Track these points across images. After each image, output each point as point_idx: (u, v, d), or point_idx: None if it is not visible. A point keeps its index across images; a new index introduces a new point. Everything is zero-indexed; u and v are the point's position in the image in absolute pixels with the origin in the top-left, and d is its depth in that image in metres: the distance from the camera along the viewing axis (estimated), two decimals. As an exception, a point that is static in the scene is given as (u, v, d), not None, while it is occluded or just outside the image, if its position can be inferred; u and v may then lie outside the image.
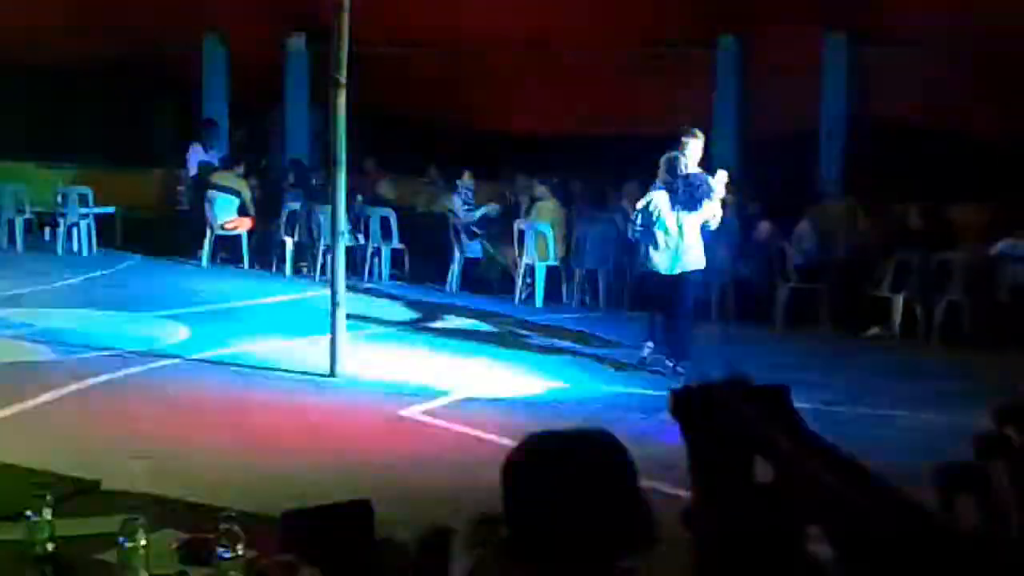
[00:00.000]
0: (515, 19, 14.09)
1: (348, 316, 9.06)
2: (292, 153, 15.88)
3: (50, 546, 2.92)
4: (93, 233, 14.95)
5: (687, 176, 8.98)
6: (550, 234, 12.30)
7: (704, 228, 9.11)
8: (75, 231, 14.93)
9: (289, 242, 13.82)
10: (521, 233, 12.41)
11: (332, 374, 8.73)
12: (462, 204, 13.18)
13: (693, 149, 9.11)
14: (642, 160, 9.82)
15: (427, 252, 13.61)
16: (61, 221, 14.95)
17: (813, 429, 1.01)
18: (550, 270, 12.44)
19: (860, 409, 8.22)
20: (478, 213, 13.22)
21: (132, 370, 8.87)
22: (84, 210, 14.94)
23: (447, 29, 14.56)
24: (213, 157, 14.82)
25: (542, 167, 13.69)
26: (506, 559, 2.04)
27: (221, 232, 14.12)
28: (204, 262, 14.18)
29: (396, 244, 13.57)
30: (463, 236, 13.01)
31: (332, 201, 9.08)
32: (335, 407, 8.03)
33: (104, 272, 13.61)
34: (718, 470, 1.00)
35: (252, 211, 14.18)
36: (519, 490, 2.06)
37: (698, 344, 9.31)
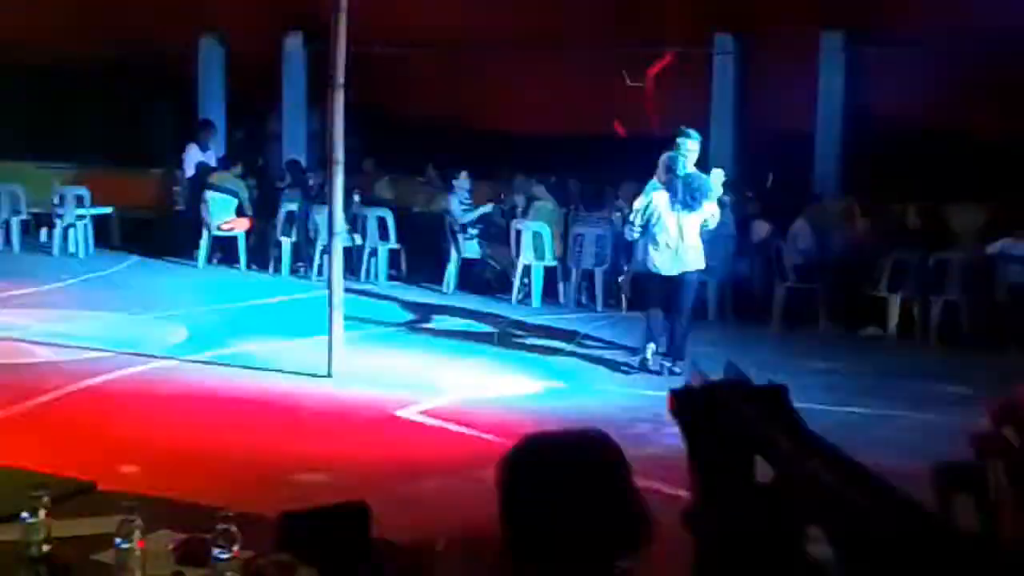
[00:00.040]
0: (512, 19, 14.10)
1: (345, 316, 9.05)
2: (289, 153, 15.87)
3: (46, 547, 2.91)
4: (90, 234, 14.93)
5: (686, 176, 8.98)
6: (547, 234, 12.30)
7: (703, 228, 9.11)
8: (72, 232, 14.91)
9: (286, 242, 13.81)
10: (518, 233, 12.41)
11: (329, 374, 8.72)
12: (459, 204, 13.17)
13: (689, 149, 9.10)
14: (638, 160, 9.82)
15: (424, 252, 13.61)
16: (58, 222, 14.93)
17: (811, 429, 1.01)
18: (547, 270, 12.44)
19: (857, 409, 8.22)
20: (474, 214, 13.21)
21: (129, 371, 8.86)
22: (81, 211, 14.92)
23: (445, 29, 14.57)
24: (210, 157, 14.82)
25: (539, 167, 13.70)
26: (502, 560, 2.04)
27: (218, 232, 14.11)
28: (201, 263, 14.17)
29: (393, 244, 13.57)
30: (460, 236, 13.00)
31: (329, 201, 9.08)
32: (332, 407, 8.02)
33: (101, 273, 13.60)
34: (718, 470, 1.00)
35: (249, 211, 14.17)
36: (515, 491, 2.06)
37: (696, 344, 9.31)
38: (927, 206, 11.58)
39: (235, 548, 2.76)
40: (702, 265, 9.21)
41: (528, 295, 12.46)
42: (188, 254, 14.32)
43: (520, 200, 12.83)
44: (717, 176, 9.20)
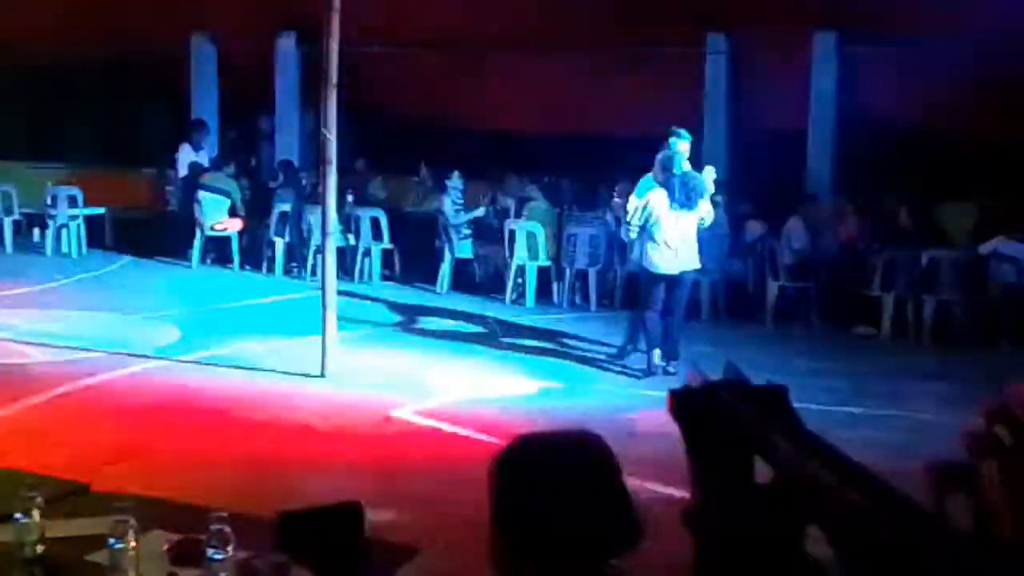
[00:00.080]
0: (505, 19, 14.10)
1: (339, 317, 9.04)
2: (282, 153, 15.86)
3: (40, 548, 2.91)
4: (83, 234, 14.92)
5: (683, 175, 8.98)
6: (541, 234, 12.30)
7: (699, 226, 9.11)
8: (65, 232, 14.89)
9: (279, 243, 13.80)
10: (512, 233, 12.41)
11: (322, 375, 8.72)
12: (452, 204, 13.17)
13: (680, 149, 9.10)
14: (633, 160, 9.83)
15: (418, 252, 13.61)
16: (50, 222, 14.91)
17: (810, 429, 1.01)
18: (541, 270, 12.45)
19: (850, 408, 8.23)
20: (467, 216, 13.20)
21: (122, 371, 8.85)
22: (74, 211, 14.90)
23: (437, 29, 14.56)
24: (203, 157, 14.80)
25: (533, 167, 13.71)
26: (493, 561, 2.04)
27: (211, 233, 14.10)
28: (194, 263, 14.15)
29: (387, 244, 13.57)
30: (453, 236, 13.00)
31: (323, 201, 9.07)
32: (325, 407, 8.02)
33: (94, 273, 13.58)
34: (718, 470, 1.00)
35: (242, 211, 14.16)
36: (505, 491, 2.06)
37: (689, 343, 9.32)
38: (919, 205, 11.60)
39: (229, 548, 2.76)
40: (698, 264, 9.21)
41: (522, 295, 12.47)
42: (181, 254, 14.30)
43: (511, 201, 12.83)
44: (709, 174, 9.21)
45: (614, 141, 12.85)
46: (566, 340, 10.55)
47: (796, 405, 1.09)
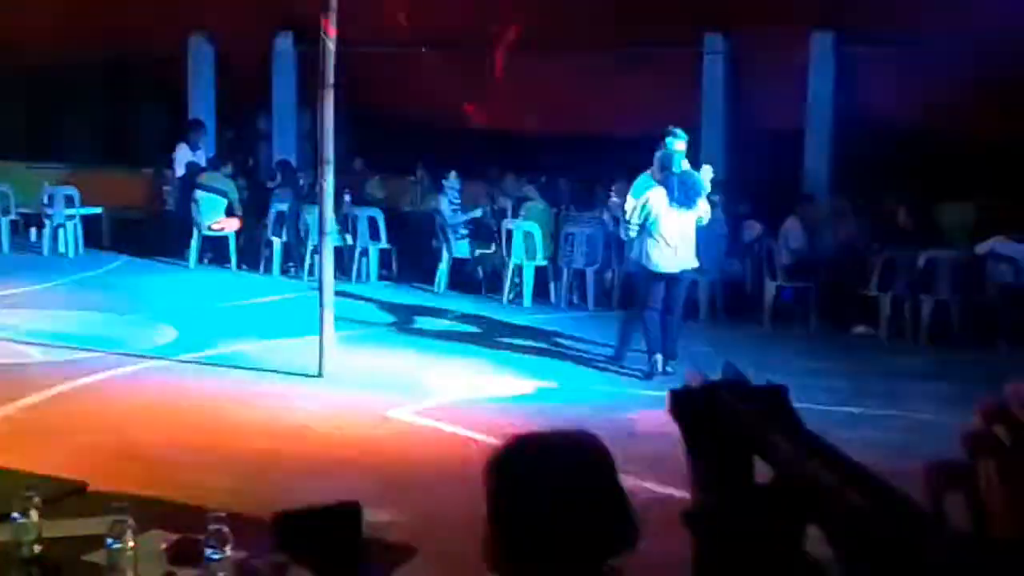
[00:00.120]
0: (503, 19, 14.10)
1: (336, 316, 9.04)
2: (280, 153, 15.86)
3: (37, 547, 2.91)
4: (80, 234, 14.91)
5: (682, 173, 8.97)
6: (538, 234, 12.30)
7: (697, 225, 9.11)
8: (62, 232, 14.88)
9: (277, 242, 13.80)
10: (509, 233, 12.41)
11: (320, 375, 8.72)
12: (449, 204, 13.18)
13: (676, 148, 9.09)
14: (630, 159, 9.83)
15: (415, 252, 13.62)
16: (47, 222, 14.90)
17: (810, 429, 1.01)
18: (538, 270, 12.45)
19: (848, 408, 8.24)
20: (464, 217, 13.20)
21: (119, 371, 8.85)
22: (71, 211, 14.89)
23: (434, 29, 14.56)
24: (200, 157, 14.80)
25: (530, 167, 13.72)
26: (489, 561, 2.04)
27: (208, 233, 14.09)
28: (191, 263, 14.15)
29: (384, 244, 13.57)
30: (451, 236, 13.01)
31: (320, 201, 9.07)
32: (323, 408, 8.02)
33: (91, 273, 13.57)
34: (718, 470, 1.00)
35: (239, 211, 14.15)
36: (502, 491, 2.06)
37: (686, 343, 9.33)
38: (918, 205, 11.61)
39: (227, 548, 2.76)
40: (696, 264, 9.21)
41: (519, 295, 12.47)
42: (178, 254, 14.30)
43: (508, 201, 12.84)
44: (707, 173, 9.21)
45: (611, 141, 12.85)
46: (564, 340, 10.55)
47: (794, 405, 1.09)
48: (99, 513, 2.97)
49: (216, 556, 2.76)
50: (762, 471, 0.98)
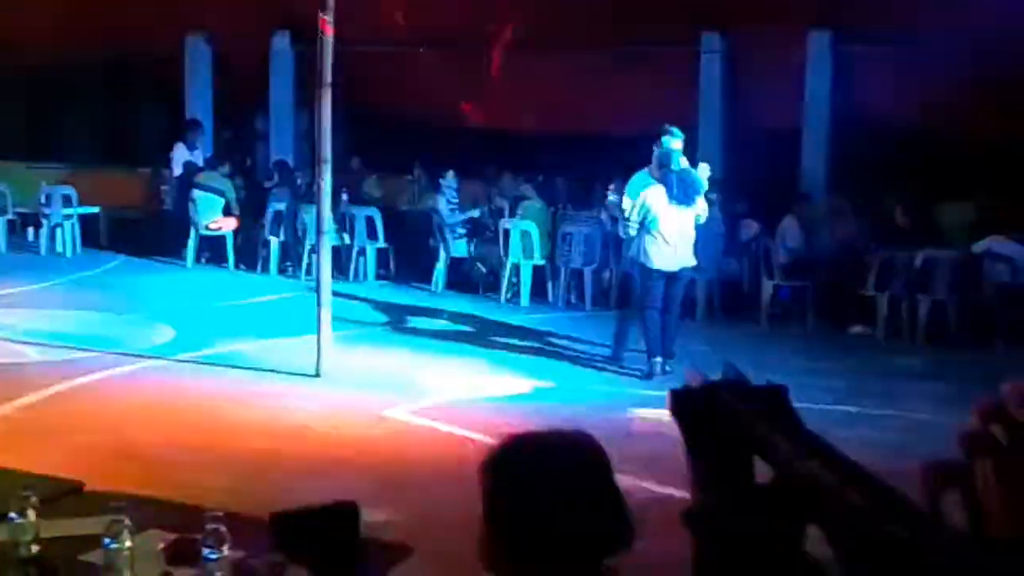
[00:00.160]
0: (500, 17, 14.10)
1: (333, 316, 9.04)
2: (277, 152, 15.85)
3: (34, 547, 2.91)
4: (77, 233, 14.90)
5: (680, 171, 8.96)
6: (535, 233, 12.30)
7: (695, 223, 9.10)
8: (59, 231, 14.87)
9: (274, 242, 13.80)
10: (507, 232, 12.41)
11: (317, 374, 8.71)
12: (447, 203, 13.18)
13: (672, 146, 9.08)
14: (627, 158, 9.82)
15: (412, 252, 13.61)
16: (45, 221, 14.89)
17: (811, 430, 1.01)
18: (536, 269, 12.45)
19: (845, 407, 8.23)
20: (461, 217, 13.20)
21: (117, 371, 8.84)
22: (68, 210, 14.89)
23: (431, 28, 14.56)
24: (198, 157, 14.79)
25: (527, 166, 13.71)
26: (484, 561, 2.04)
27: (206, 232, 14.09)
28: (189, 262, 14.14)
29: (381, 244, 13.56)
30: (448, 235, 13.01)
31: (317, 200, 9.06)
32: (320, 407, 8.01)
33: (88, 273, 13.56)
34: (718, 470, 1.00)
35: (237, 211, 14.15)
36: (497, 491, 2.06)
37: (683, 342, 9.33)
38: (915, 205, 11.61)
39: (224, 548, 2.76)
40: (694, 262, 9.21)
41: (517, 294, 12.46)
42: (176, 254, 14.30)
43: (506, 201, 12.84)
44: (704, 171, 9.22)
45: (609, 140, 12.85)
46: (561, 339, 10.55)
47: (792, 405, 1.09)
48: (96, 513, 2.97)
49: (213, 556, 2.76)
50: (762, 471, 0.98)
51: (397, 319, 11.40)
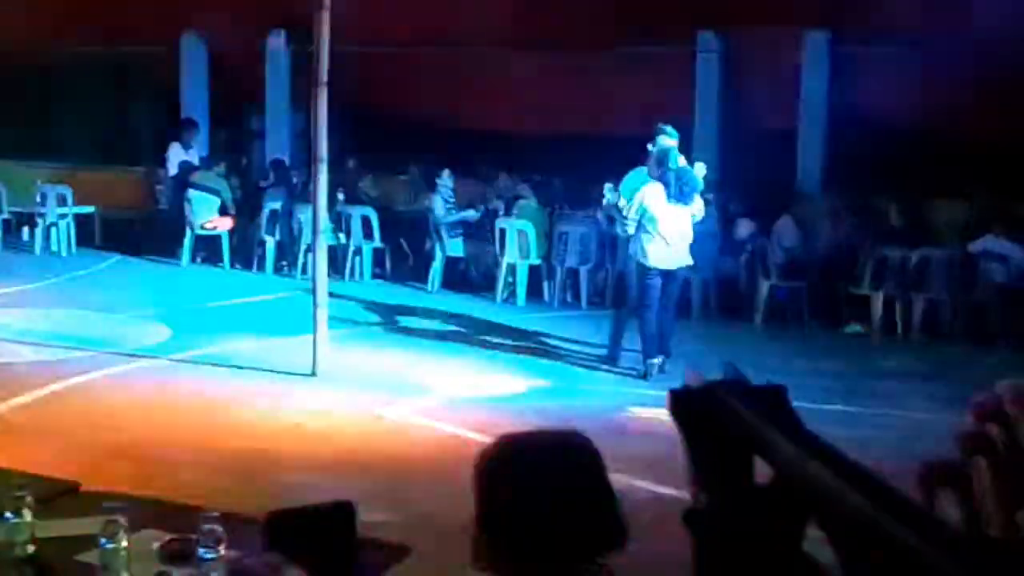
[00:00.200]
0: (496, 18, 14.09)
1: (329, 316, 9.04)
2: (273, 152, 15.85)
3: (30, 548, 2.90)
4: (72, 233, 14.89)
5: (678, 169, 8.97)
6: (532, 233, 12.30)
7: (692, 222, 9.10)
8: (54, 231, 14.86)
9: (270, 241, 13.79)
10: (503, 232, 12.41)
11: (313, 374, 8.71)
12: (443, 203, 13.17)
13: (667, 145, 9.08)
14: (623, 158, 9.82)
15: (409, 251, 13.61)
16: (40, 221, 14.87)
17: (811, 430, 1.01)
18: (532, 269, 12.45)
19: (841, 407, 8.24)
20: (457, 217, 13.20)
21: (112, 370, 8.83)
22: (63, 209, 14.87)
23: (428, 27, 14.55)
24: (193, 156, 14.78)
25: (523, 166, 13.72)
26: (477, 560, 2.04)
27: (201, 232, 14.08)
28: (184, 262, 14.13)
29: (378, 243, 13.56)
30: (444, 235, 13.01)
31: (314, 200, 9.06)
32: (317, 407, 8.01)
33: (83, 272, 13.55)
34: (718, 470, 1.00)
35: (232, 210, 14.15)
36: (490, 490, 2.06)
37: (679, 342, 9.33)
38: (910, 204, 11.63)
39: (220, 548, 2.75)
40: (691, 261, 9.21)
41: (513, 294, 12.47)
42: (171, 253, 14.28)
43: (501, 201, 12.84)
44: (700, 170, 9.22)
45: (605, 140, 12.84)
46: (557, 339, 10.55)
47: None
48: (92, 513, 2.97)
49: (209, 556, 2.76)
50: (762, 471, 0.98)
51: (393, 319, 11.40)
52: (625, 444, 6.55)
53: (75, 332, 9.95)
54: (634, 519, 2.10)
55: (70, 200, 14.93)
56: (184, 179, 14.25)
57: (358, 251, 13.51)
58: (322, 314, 8.84)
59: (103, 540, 2.77)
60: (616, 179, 9.45)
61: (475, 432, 7.13)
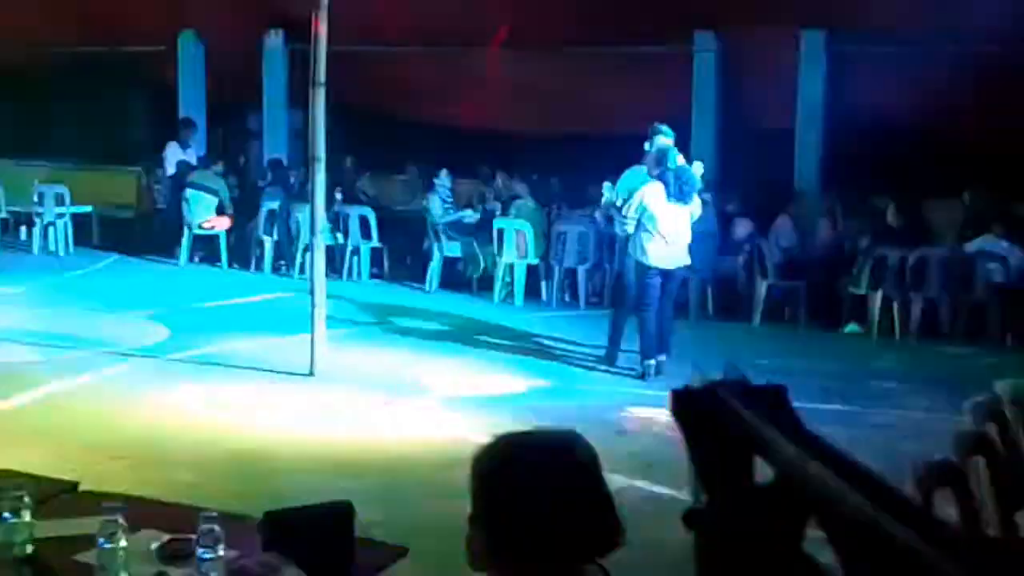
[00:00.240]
0: (493, 17, 14.09)
1: (327, 315, 9.04)
2: (271, 151, 15.85)
3: (29, 548, 2.90)
4: (70, 232, 14.88)
5: (677, 169, 8.96)
6: (530, 232, 12.30)
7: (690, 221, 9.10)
8: (52, 230, 14.85)
9: (268, 241, 13.79)
10: (501, 232, 12.41)
11: (311, 373, 8.71)
12: (440, 203, 13.17)
13: (664, 144, 9.08)
14: (621, 157, 9.82)
15: (406, 251, 13.61)
16: (37, 220, 14.87)
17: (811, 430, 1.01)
18: (530, 268, 12.45)
19: (839, 406, 8.24)
20: (454, 217, 13.20)
21: (110, 370, 8.83)
22: (61, 209, 14.86)
23: (425, 27, 14.55)
24: (191, 156, 14.78)
25: (521, 165, 13.72)
26: (472, 560, 2.05)
27: (199, 231, 14.08)
28: (182, 261, 14.13)
29: (375, 243, 13.56)
30: (442, 235, 13.01)
31: (311, 199, 9.06)
32: (314, 407, 8.01)
33: (81, 272, 13.55)
34: (718, 470, 1.01)
35: (230, 210, 14.14)
36: (485, 490, 2.06)
37: (677, 342, 9.33)
38: (908, 203, 11.63)
39: (219, 548, 2.75)
40: (688, 261, 9.21)
41: (511, 294, 12.47)
42: (169, 252, 14.29)
43: (499, 201, 12.84)
44: (698, 169, 9.23)
45: (602, 139, 12.85)
46: (555, 339, 10.55)
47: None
48: (91, 513, 2.96)
49: (208, 556, 2.76)
50: (762, 471, 0.98)
51: (391, 318, 11.40)
52: (624, 443, 6.56)
53: (73, 332, 9.94)
54: (631, 519, 2.10)
55: (67, 199, 14.92)
56: (182, 179, 14.25)
57: (356, 251, 13.51)
58: (320, 314, 8.85)
59: (101, 540, 2.77)
60: (614, 179, 9.45)
61: (473, 432, 7.14)
